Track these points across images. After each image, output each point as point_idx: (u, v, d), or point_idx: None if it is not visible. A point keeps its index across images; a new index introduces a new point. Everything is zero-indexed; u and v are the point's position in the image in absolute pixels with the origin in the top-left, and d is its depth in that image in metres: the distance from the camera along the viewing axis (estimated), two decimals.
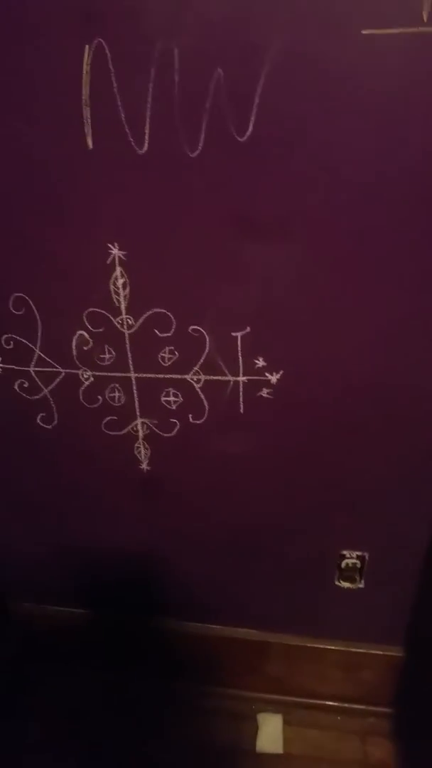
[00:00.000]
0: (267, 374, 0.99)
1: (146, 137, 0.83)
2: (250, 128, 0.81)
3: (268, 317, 0.94)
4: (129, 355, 1.02)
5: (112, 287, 0.95)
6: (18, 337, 1.03)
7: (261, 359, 0.98)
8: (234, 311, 0.94)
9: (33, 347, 1.03)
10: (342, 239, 0.87)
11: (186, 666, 1.34)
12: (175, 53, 0.78)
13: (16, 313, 1.00)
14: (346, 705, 1.34)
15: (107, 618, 1.34)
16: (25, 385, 1.07)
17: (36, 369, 1.06)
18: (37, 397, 1.08)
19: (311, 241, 0.87)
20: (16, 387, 1.08)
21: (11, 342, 1.03)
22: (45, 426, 1.11)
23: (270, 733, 1.29)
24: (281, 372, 0.98)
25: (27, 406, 1.10)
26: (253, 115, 0.80)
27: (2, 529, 1.27)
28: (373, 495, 1.09)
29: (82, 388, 1.06)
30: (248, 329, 0.95)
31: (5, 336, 1.03)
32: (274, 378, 0.99)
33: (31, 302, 0.99)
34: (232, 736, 1.29)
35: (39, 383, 1.07)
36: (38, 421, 1.11)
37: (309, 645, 1.29)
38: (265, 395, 1.01)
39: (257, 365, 0.98)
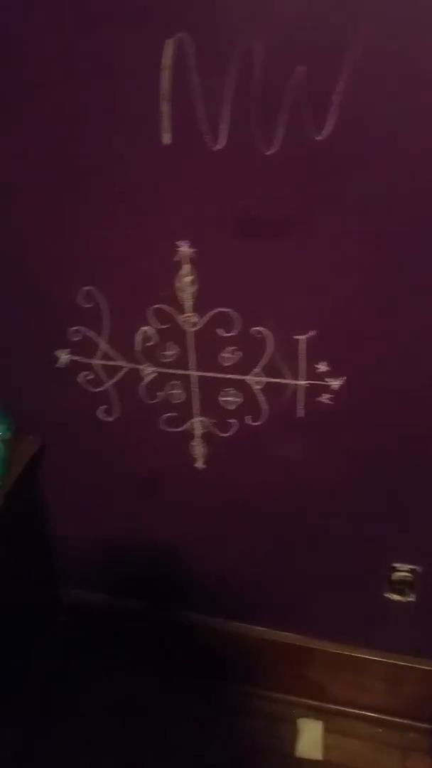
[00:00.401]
0: (328, 379, 0.93)
1: (222, 134, 0.78)
2: (329, 127, 0.75)
3: (335, 322, 0.88)
4: (191, 353, 0.97)
5: (179, 285, 0.91)
6: (85, 330, 1.00)
7: (324, 364, 0.92)
8: (300, 314, 0.89)
9: (99, 340, 1.00)
10: (422, 246, 0.80)
11: (228, 665, 1.29)
12: (257, 49, 0.73)
13: (85, 306, 0.97)
14: (387, 718, 1.26)
15: (153, 611, 1.30)
16: (89, 378, 1.04)
17: (100, 362, 1.02)
18: (99, 389, 1.05)
19: (387, 245, 0.81)
20: (80, 379, 1.05)
21: (79, 334, 1.00)
22: (106, 419, 1.08)
23: (310, 738, 1.22)
24: (344, 378, 0.92)
25: (89, 398, 1.07)
26: (332, 113, 0.74)
27: (58, 517, 1.25)
28: (429, 509, 1.02)
29: (143, 383, 1.02)
30: (313, 333, 0.89)
31: (73, 328, 1.00)
32: (335, 383, 0.93)
33: (99, 296, 0.96)
34: (272, 738, 1.23)
35: (102, 376, 1.04)
36: (99, 413, 1.08)
37: (353, 654, 1.21)
38: (324, 400, 0.95)
39: (319, 370, 0.93)
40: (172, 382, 1.01)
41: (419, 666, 1.20)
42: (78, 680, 1.33)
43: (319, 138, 0.76)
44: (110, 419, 1.08)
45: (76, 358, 1.03)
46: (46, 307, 1.00)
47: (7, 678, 1.15)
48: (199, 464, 1.08)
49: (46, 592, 1.29)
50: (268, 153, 0.78)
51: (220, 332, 0.94)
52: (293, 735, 1.25)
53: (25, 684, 1.22)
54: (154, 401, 1.04)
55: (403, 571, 1.10)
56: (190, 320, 0.94)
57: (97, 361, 1.03)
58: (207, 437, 1.05)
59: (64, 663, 1.34)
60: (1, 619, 1.10)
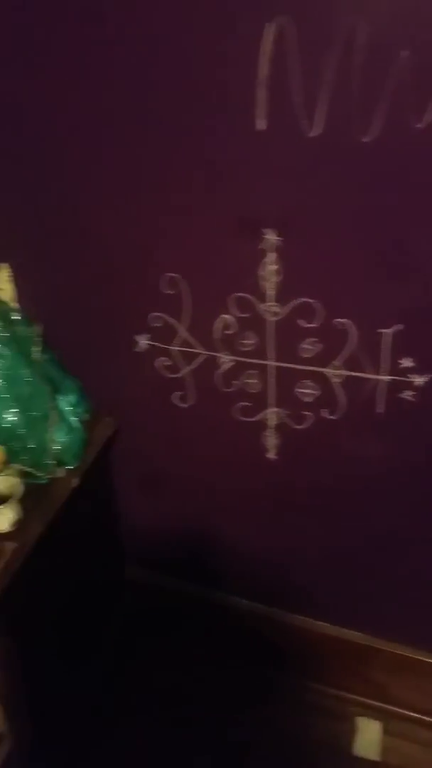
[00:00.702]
0: (412, 376, 0.90)
1: (318, 120, 0.76)
2: (431, 115, 0.72)
3: (424, 317, 0.84)
4: (270, 342, 0.96)
5: (263, 273, 0.90)
6: (166, 316, 1.00)
7: (408, 360, 0.89)
8: (387, 307, 0.86)
9: (178, 327, 1.00)
10: None
11: (288, 658, 1.28)
12: (360, 33, 0.70)
13: (167, 292, 0.98)
14: None
15: (214, 598, 1.30)
16: (167, 364, 1.05)
17: (178, 348, 1.02)
18: (176, 375, 1.06)
19: None
20: (157, 364, 1.05)
21: (159, 320, 1.01)
22: (181, 405, 1.08)
23: (368, 738, 1.20)
24: (429, 375, 0.89)
25: (165, 384, 1.07)
26: None
27: (127, 498, 1.26)
28: None
29: (220, 372, 1.02)
30: (400, 327, 0.86)
31: (154, 314, 1.00)
32: (420, 380, 0.90)
33: (182, 283, 0.96)
34: (329, 734, 1.22)
35: (180, 362, 1.04)
36: (175, 399, 1.08)
37: (417, 657, 1.18)
38: (407, 397, 0.92)
39: (403, 365, 0.89)
40: (249, 372, 1.00)
41: None
42: (138, 661, 1.35)
43: (419, 126, 0.73)
44: (185, 405, 1.08)
45: (155, 343, 1.04)
46: (129, 292, 1.00)
47: (78, 653, 1.18)
48: (271, 455, 1.07)
49: (113, 572, 1.31)
50: (366, 140, 0.75)
51: (301, 323, 0.92)
52: (351, 733, 1.22)
53: (93, 661, 1.25)
54: (230, 390, 1.03)
55: None
56: (271, 309, 0.93)
57: (175, 348, 1.03)
58: (281, 428, 1.04)
59: (128, 642, 1.36)
60: (73, 594, 1.12)
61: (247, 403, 1.04)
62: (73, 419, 1.03)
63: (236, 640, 1.31)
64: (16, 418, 0.94)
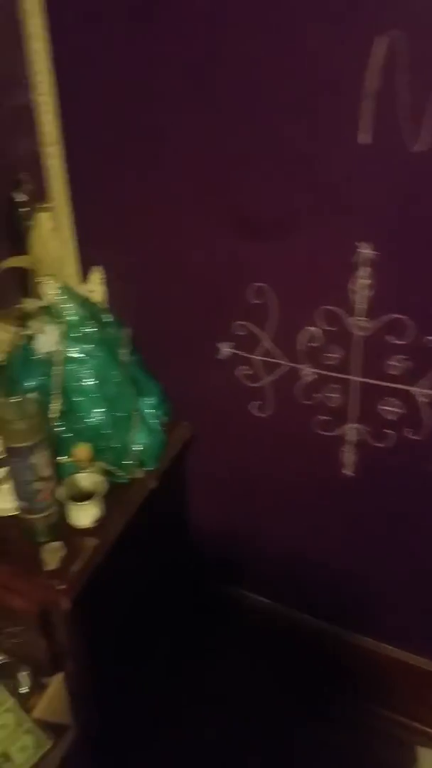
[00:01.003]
0: None
1: (425, 135, 0.74)
2: None
3: None
4: (355, 357, 0.95)
5: (353, 287, 0.89)
6: (250, 325, 1.00)
7: None
8: None
9: (262, 337, 1.00)
10: None
11: (354, 679, 1.25)
12: None
13: (254, 302, 0.98)
14: None
15: (281, 612, 1.28)
16: (247, 372, 1.05)
17: (260, 358, 1.02)
18: (256, 385, 1.06)
19: None
20: (238, 372, 1.06)
21: (243, 329, 1.01)
22: (259, 414, 1.08)
23: None
24: None
25: (245, 392, 1.07)
26: None
27: (200, 503, 1.26)
28: None
29: (301, 383, 1.01)
30: None
31: (239, 322, 1.01)
32: None
33: (269, 293, 0.96)
34: (389, 761, 1.18)
35: (261, 372, 1.04)
36: (253, 408, 1.08)
37: None
38: None
39: None
40: (331, 386, 0.99)
41: None
42: (199, 663, 1.35)
43: None
44: (262, 415, 1.08)
45: (237, 351, 1.04)
46: (215, 299, 1.01)
47: (142, 652, 1.19)
48: (348, 471, 1.05)
49: (181, 573, 1.32)
50: None
51: (390, 339, 0.90)
52: (411, 762, 1.18)
53: (156, 660, 1.26)
54: (310, 402, 1.02)
55: None
56: (359, 324, 0.92)
57: (257, 357, 1.03)
58: (360, 445, 1.02)
59: (191, 644, 1.36)
60: (142, 594, 1.13)
61: (326, 417, 1.03)
62: (153, 422, 1.05)
63: (300, 654, 1.29)
64: (103, 417, 0.96)
